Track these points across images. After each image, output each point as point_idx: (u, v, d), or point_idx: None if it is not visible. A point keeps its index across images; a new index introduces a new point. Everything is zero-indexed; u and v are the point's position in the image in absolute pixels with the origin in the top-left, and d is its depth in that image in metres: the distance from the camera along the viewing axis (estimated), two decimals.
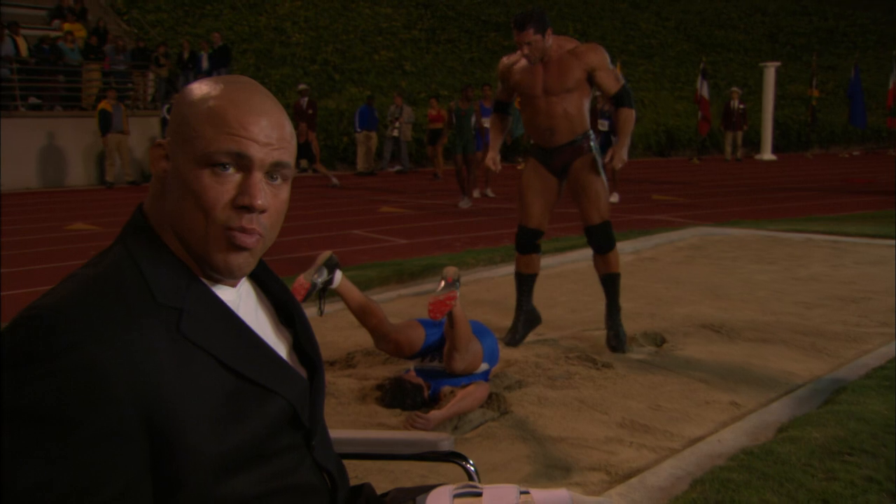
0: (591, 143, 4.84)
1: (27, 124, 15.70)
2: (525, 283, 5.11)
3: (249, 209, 1.16)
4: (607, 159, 4.77)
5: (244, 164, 1.16)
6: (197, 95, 1.19)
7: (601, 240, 4.88)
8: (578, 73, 4.64)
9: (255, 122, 1.17)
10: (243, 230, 1.17)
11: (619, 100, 4.72)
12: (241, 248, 1.18)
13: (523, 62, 4.74)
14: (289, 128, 1.23)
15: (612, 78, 4.67)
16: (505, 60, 4.92)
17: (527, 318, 5.09)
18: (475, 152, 12.77)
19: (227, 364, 1.16)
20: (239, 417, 1.16)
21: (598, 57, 4.65)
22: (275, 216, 1.22)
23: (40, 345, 1.04)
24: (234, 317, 1.21)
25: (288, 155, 1.21)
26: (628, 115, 4.73)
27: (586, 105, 4.80)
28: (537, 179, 4.94)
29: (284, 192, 1.23)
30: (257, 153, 1.17)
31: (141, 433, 1.07)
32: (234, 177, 1.17)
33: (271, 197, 1.20)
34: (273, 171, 1.20)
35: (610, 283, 4.96)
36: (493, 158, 4.99)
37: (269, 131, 1.18)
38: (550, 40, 4.60)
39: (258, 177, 1.17)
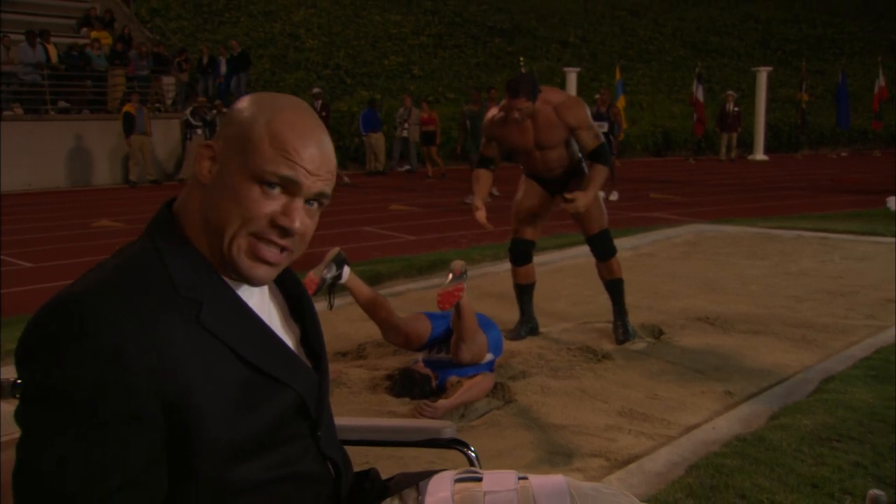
0: (583, 166, 4.83)
1: (56, 127, 15.74)
2: (526, 292, 5.09)
3: (285, 230, 1.17)
4: (570, 196, 4.61)
5: (292, 188, 1.18)
6: (257, 112, 1.20)
7: (602, 248, 4.87)
8: (562, 133, 4.61)
9: (310, 152, 1.18)
10: (273, 244, 1.18)
11: (595, 156, 4.63)
12: (265, 262, 1.19)
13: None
14: (334, 161, 1.24)
15: (590, 136, 4.61)
16: (489, 116, 4.81)
17: (530, 326, 5.08)
18: None
19: (243, 356, 1.16)
20: (251, 407, 1.16)
21: (579, 116, 4.57)
22: (305, 235, 1.23)
23: (67, 330, 1.04)
24: (249, 311, 1.22)
25: (330, 187, 1.22)
26: (601, 171, 4.65)
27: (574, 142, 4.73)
28: (532, 195, 4.93)
29: (317, 215, 1.24)
30: (306, 180, 1.18)
31: (160, 418, 1.08)
32: (279, 197, 1.18)
33: (306, 218, 1.21)
34: (314, 198, 1.21)
35: (614, 288, 4.94)
36: (482, 216, 4.68)
37: (319, 162, 1.19)
38: (539, 101, 4.51)
39: (300, 202, 1.19)
